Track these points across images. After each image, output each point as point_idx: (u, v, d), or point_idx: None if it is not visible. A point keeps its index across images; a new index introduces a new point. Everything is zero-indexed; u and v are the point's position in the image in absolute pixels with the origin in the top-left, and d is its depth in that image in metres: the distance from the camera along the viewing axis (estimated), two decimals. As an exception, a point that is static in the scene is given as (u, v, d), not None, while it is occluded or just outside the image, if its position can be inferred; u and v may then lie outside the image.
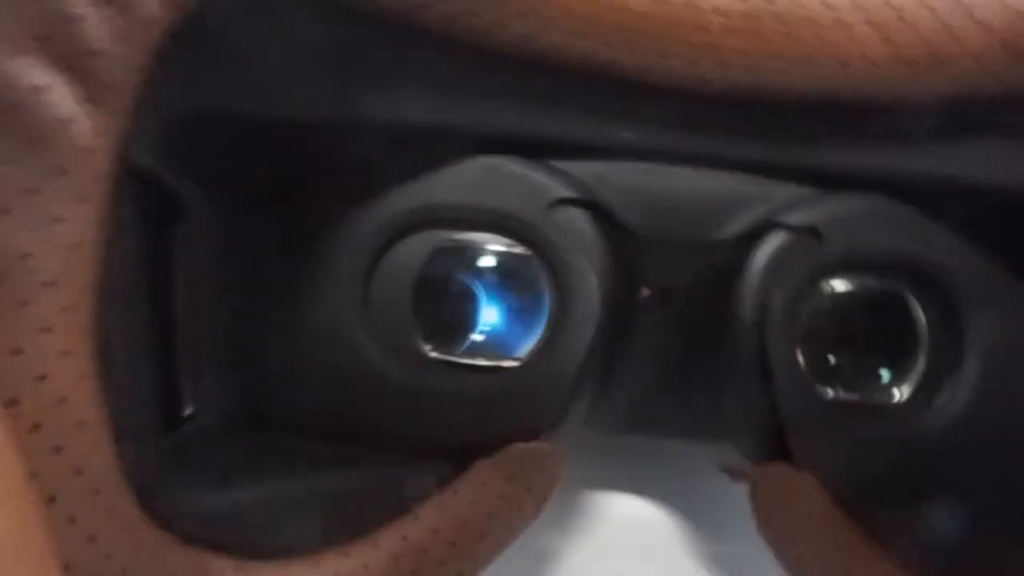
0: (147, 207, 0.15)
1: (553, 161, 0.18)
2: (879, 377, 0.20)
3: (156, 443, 0.15)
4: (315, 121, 0.18)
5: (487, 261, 0.19)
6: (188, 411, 0.17)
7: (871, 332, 0.20)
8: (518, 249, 0.19)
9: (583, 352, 0.18)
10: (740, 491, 0.20)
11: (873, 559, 0.17)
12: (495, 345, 0.19)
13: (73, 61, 0.11)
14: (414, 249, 0.19)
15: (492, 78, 0.16)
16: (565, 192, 0.18)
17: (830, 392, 0.19)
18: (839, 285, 0.19)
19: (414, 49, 0.15)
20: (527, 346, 0.19)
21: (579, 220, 0.18)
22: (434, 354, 0.19)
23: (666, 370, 0.20)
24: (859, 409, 0.19)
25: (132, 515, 0.13)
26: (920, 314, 0.19)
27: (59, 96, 0.11)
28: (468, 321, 0.19)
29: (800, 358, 0.19)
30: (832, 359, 0.20)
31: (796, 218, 0.18)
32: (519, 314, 0.19)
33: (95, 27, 0.11)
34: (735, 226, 0.19)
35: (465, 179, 0.18)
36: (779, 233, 0.19)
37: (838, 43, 0.15)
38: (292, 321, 0.18)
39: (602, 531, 0.24)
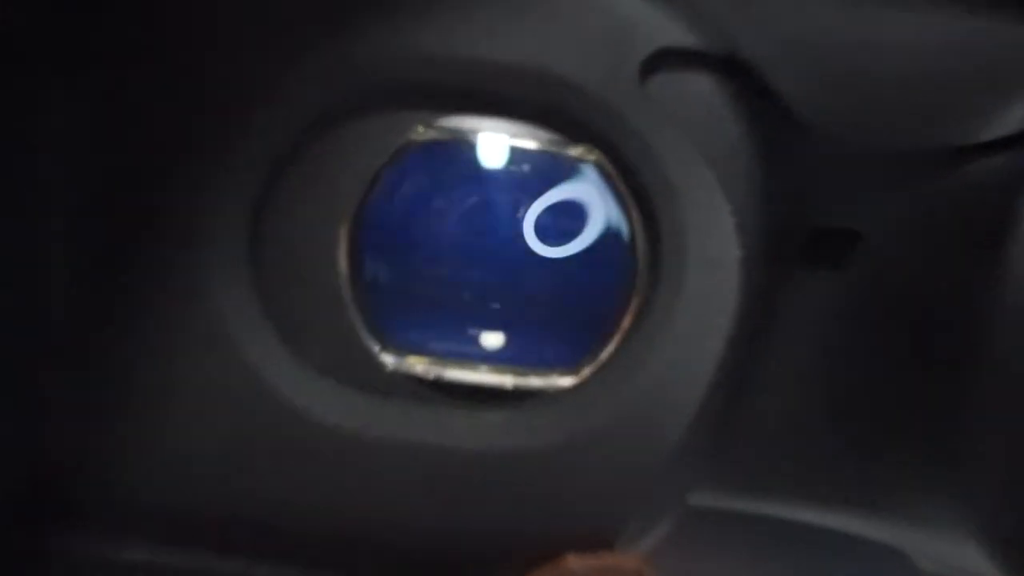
0: None
1: None
2: None
3: None
4: None
5: (511, 169, 0.12)
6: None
7: None
8: (574, 150, 0.12)
9: (708, 368, 0.11)
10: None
11: None
12: (522, 350, 0.12)
13: None
14: (363, 144, 0.12)
15: None
16: (678, 36, 0.12)
17: None
18: None
19: None
20: (588, 352, 0.12)
21: (701, 91, 0.12)
22: (399, 367, 0.12)
23: (837, 383, 0.13)
24: None
25: None
26: None
27: None
28: (468, 301, 0.12)
29: None
30: None
31: None
32: (573, 282, 0.12)
33: None
34: (994, 123, 0.13)
35: (484, 10, 0.11)
36: None
37: None
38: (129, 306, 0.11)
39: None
